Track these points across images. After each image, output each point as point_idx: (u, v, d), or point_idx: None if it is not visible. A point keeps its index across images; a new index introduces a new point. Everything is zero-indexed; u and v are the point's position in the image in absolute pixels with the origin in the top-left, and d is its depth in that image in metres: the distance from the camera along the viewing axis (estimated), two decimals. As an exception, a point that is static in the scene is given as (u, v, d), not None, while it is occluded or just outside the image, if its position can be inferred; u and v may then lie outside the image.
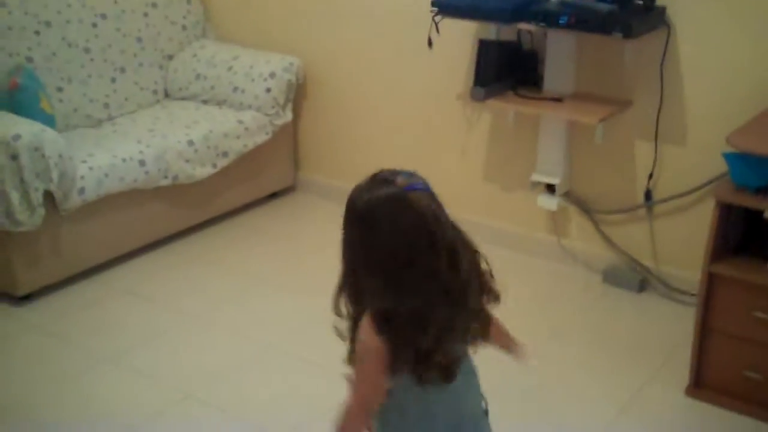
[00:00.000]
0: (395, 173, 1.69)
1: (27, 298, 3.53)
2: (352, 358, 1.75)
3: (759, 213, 2.96)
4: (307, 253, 4.02)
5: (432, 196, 1.68)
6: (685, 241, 3.51)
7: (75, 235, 3.62)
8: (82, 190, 3.52)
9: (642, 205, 3.58)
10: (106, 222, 3.73)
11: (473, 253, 1.72)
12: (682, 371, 2.99)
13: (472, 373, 1.86)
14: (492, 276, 1.76)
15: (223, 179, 4.14)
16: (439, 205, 1.68)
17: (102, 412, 2.90)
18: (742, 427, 2.81)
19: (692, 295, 3.32)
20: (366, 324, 1.67)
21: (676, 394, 2.96)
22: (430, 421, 1.78)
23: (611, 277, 3.66)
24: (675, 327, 3.35)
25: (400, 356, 1.65)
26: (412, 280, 1.62)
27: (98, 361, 3.16)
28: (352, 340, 1.75)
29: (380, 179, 1.69)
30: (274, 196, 4.51)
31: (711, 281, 2.83)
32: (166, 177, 3.84)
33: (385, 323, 1.64)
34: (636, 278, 3.62)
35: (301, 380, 3.08)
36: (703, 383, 2.94)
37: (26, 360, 3.17)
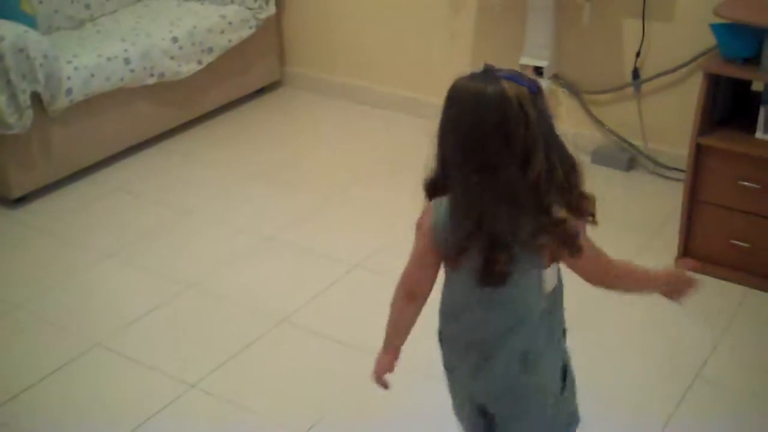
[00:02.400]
0: (501, 69, 1.60)
1: (21, 200, 3.55)
2: None
3: (746, 85, 2.99)
4: (297, 147, 4.05)
5: (531, 93, 1.56)
6: (673, 118, 3.54)
7: (65, 136, 3.62)
8: (69, 91, 3.50)
9: (630, 84, 3.60)
10: (96, 122, 3.72)
11: (566, 165, 1.60)
12: (671, 243, 3.06)
13: (526, 304, 1.70)
14: (585, 196, 1.65)
15: (210, 76, 4.11)
16: (535, 104, 1.56)
17: (107, 304, 2.96)
18: (729, 294, 2.90)
19: (680, 170, 3.37)
20: (429, 204, 1.69)
21: (666, 264, 3.02)
22: (456, 318, 1.77)
23: (600, 158, 3.70)
24: (663, 202, 3.41)
25: (450, 240, 1.64)
26: (479, 166, 1.56)
27: (99, 257, 3.20)
28: None
29: (482, 70, 1.61)
30: (261, 91, 4.49)
31: (699, 153, 2.88)
32: (152, 75, 3.82)
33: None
34: (624, 157, 3.66)
35: (298, 267, 3.14)
36: (691, 253, 3.01)
37: (27, 259, 3.21)
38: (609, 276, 1.77)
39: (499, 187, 1.56)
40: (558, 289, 1.75)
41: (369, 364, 2.64)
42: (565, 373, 1.81)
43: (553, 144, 1.59)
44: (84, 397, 2.56)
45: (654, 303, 2.87)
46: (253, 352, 2.72)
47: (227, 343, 2.75)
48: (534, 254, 1.63)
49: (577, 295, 2.56)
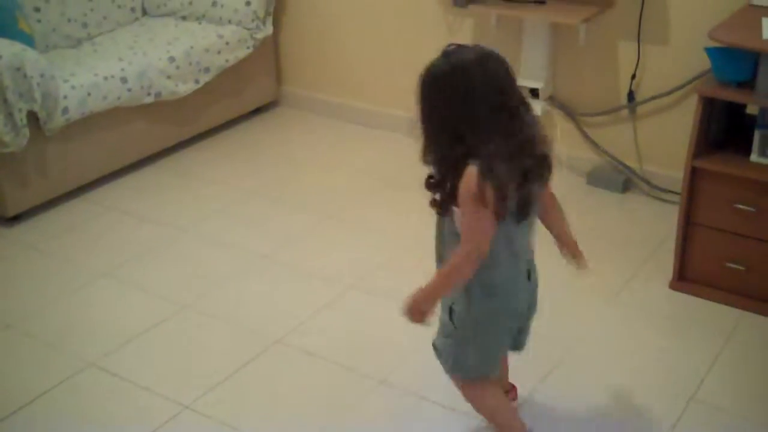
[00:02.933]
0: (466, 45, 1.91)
1: (16, 218, 3.55)
2: (439, 203, 1.96)
3: (741, 108, 3.00)
4: (293, 166, 4.05)
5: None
6: (668, 140, 3.55)
7: (61, 155, 3.63)
8: (65, 110, 3.50)
9: (625, 106, 3.62)
10: (92, 141, 3.73)
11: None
12: (666, 266, 3.06)
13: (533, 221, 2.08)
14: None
15: (207, 95, 4.12)
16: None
17: (101, 324, 2.95)
18: (724, 317, 2.90)
19: (675, 193, 3.37)
20: (470, 175, 1.84)
21: (661, 287, 3.04)
22: (510, 253, 2.02)
23: (595, 179, 3.71)
24: (659, 225, 3.41)
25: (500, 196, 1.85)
26: (503, 122, 1.82)
27: (94, 276, 3.20)
28: (443, 188, 1.93)
29: (453, 48, 1.89)
30: (257, 111, 4.50)
31: (694, 175, 2.88)
32: (149, 94, 3.83)
33: (488, 170, 1.82)
34: (620, 179, 3.67)
35: (293, 287, 3.13)
36: (686, 276, 3.02)
37: (21, 278, 3.21)
38: (552, 208, 2.18)
39: (520, 128, 1.85)
40: None
41: (364, 384, 2.64)
42: None
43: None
44: (77, 418, 2.55)
45: (649, 324, 2.88)
46: (247, 373, 2.71)
47: (221, 364, 2.74)
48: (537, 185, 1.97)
49: (573, 319, 2.58)
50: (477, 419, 2.40)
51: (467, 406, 2.30)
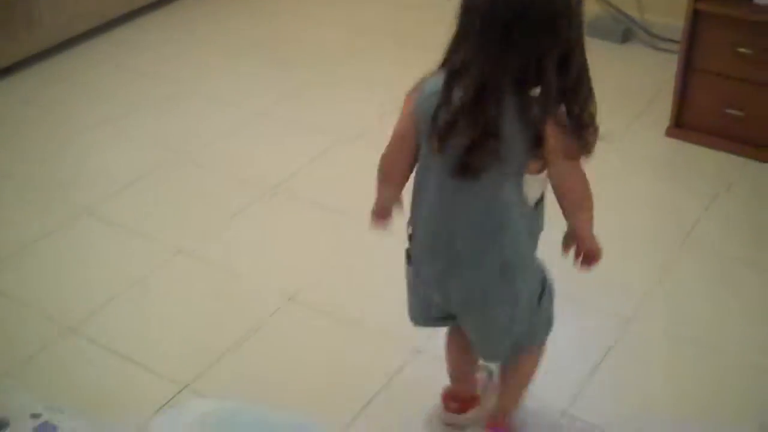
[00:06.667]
0: None
1: (8, 70, 3.50)
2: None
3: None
4: (295, 21, 3.96)
5: None
6: (670, -13, 3.47)
7: (51, 4, 3.53)
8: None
9: (627, -48, 3.51)
10: (82, -9, 3.64)
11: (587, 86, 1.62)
12: (664, 114, 3.04)
13: (498, 189, 1.58)
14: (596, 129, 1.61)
15: (198, -54, 4.00)
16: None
17: (97, 172, 2.94)
18: (720, 163, 2.90)
19: (675, 42, 3.30)
20: (418, 83, 1.59)
21: (658, 135, 3.03)
22: (424, 194, 1.66)
23: (594, 29, 3.62)
24: (658, 74, 3.36)
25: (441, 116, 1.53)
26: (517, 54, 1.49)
27: (88, 126, 3.18)
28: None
29: None
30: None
31: (695, 19, 2.83)
32: (139, -59, 3.72)
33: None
34: (619, 29, 3.60)
35: (289, 140, 3.11)
36: (683, 123, 3.00)
37: (17, 128, 3.18)
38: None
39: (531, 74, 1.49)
40: (542, 203, 1.67)
41: (354, 227, 2.63)
42: (544, 284, 1.77)
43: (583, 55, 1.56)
44: (73, 261, 2.56)
45: (644, 170, 2.87)
46: (241, 220, 2.72)
47: (217, 211, 2.75)
48: (522, 155, 1.53)
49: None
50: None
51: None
